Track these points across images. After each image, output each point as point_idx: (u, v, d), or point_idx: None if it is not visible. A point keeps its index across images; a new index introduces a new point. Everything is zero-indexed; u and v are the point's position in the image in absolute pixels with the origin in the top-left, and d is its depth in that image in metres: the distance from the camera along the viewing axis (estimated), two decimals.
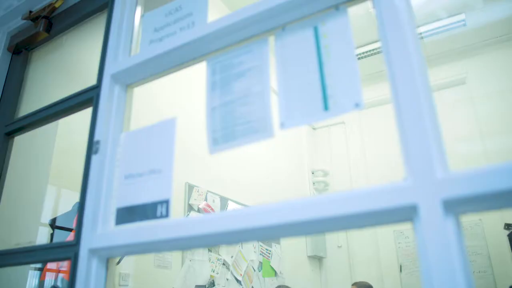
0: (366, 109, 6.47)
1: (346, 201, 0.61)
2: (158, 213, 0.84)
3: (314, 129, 6.93)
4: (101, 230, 0.94)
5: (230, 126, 0.83)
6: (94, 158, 1.04)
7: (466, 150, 5.29)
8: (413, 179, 0.59)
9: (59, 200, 2.73)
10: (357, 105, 0.71)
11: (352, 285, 3.73)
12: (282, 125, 0.77)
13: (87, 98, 1.25)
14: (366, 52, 5.71)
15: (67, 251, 1.03)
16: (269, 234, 0.66)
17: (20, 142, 1.96)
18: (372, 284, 3.76)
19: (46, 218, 2.56)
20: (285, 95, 0.79)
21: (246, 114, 0.82)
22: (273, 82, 0.83)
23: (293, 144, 6.25)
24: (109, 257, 0.93)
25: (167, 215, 0.83)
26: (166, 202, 0.84)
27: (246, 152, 4.89)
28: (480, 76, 5.63)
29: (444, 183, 0.57)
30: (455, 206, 0.57)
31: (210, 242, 0.74)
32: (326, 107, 0.74)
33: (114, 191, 0.97)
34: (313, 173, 6.40)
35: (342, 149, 6.53)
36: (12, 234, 1.88)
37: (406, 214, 0.59)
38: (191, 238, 0.73)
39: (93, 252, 0.93)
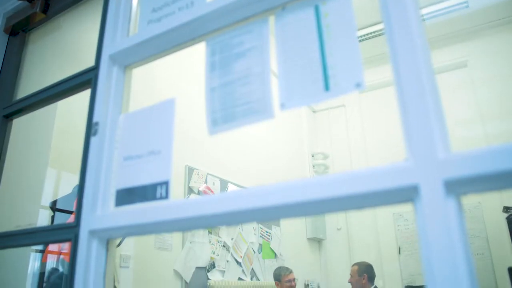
0: (366, 92, 6.46)
1: (346, 181, 0.60)
2: (158, 195, 0.84)
3: (314, 112, 6.91)
4: (101, 212, 0.94)
5: (230, 107, 0.82)
6: (93, 140, 1.03)
7: (466, 134, 5.28)
8: (414, 160, 0.58)
9: (59, 182, 2.73)
10: (358, 85, 0.70)
11: (353, 265, 3.76)
12: (282, 106, 0.76)
13: (85, 80, 1.24)
14: (366, 35, 5.66)
15: (67, 233, 1.04)
16: (269, 215, 0.66)
17: (19, 124, 1.95)
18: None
19: (46, 200, 2.57)
20: (285, 76, 0.78)
21: (246, 94, 0.81)
22: (273, 63, 0.82)
23: (293, 127, 6.24)
24: (109, 239, 0.94)
25: (166, 197, 0.83)
26: (165, 184, 0.84)
27: (246, 135, 4.88)
28: (481, 59, 5.58)
29: (446, 164, 0.56)
30: (457, 187, 0.56)
31: (210, 223, 0.74)
32: (327, 88, 0.73)
33: (113, 173, 0.97)
34: (313, 156, 6.41)
35: (342, 132, 6.52)
36: (12, 217, 1.88)
37: (407, 194, 0.59)
38: (191, 219, 0.72)
39: (93, 233, 0.93)
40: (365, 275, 3.60)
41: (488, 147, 0.55)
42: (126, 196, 0.91)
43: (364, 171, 0.60)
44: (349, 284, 3.76)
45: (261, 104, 0.79)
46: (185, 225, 0.77)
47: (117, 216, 0.88)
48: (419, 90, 0.61)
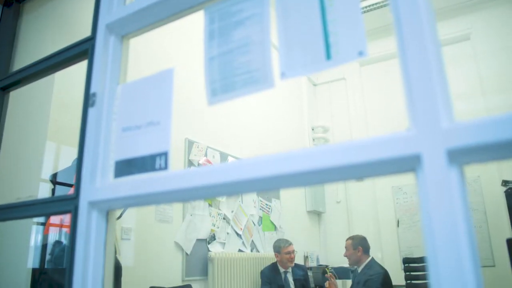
0: (367, 65, 6.39)
1: (347, 151, 0.60)
2: (157, 166, 0.83)
3: (314, 85, 6.86)
4: (100, 183, 0.94)
5: (229, 76, 0.81)
6: (91, 111, 1.02)
7: (467, 107, 5.26)
8: (417, 129, 0.57)
9: (59, 156, 2.73)
10: (360, 53, 0.68)
11: (347, 239, 3.80)
12: (283, 75, 0.75)
13: (81, 50, 1.21)
14: (366, 7, 5.57)
15: (67, 204, 1.03)
16: (269, 185, 0.65)
17: (17, 97, 1.93)
18: (370, 238, 3.83)
19: (46, 174, 2.57)
20: (286, 44, 0.76)
21: (246, 64, 0.79)
22: (274, 33, 0.80)
23: (293, 101, 6.21)
24: (109, 210, 0.93)
25: (166, 168, 0.82)
26: (164, 154, 0.83)
27: (246, 108, 4.86)
28: (485, 32, 5.51)
29: (449, 133, 0.55)
30: (460, 156, 0.55)
31: (210, 193, 0.73)
32: (328, 56, 0.71)
33: (112, 144, 0.96)
34: (313, 130, 6.40)
35: (342, 105, 6.49)
36: (12, 189, 1.88)
37: (409, 164, 0.58)
38: (191, 190, 0.72)
39: (92, 204, 0.93)
40: (360, 247, 3.64)
41: (492, 117, 0.54)
42: (125, 167, 0.91)
43: (366, 140, 0.59)
44: (346, 260, 3.81)
45: (261, 74, 0.77)
46: (185, 195, 0.76)
47: (116, 187, 0.88)
48: (423, 57, 0.59)
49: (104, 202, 0.91)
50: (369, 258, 3.63)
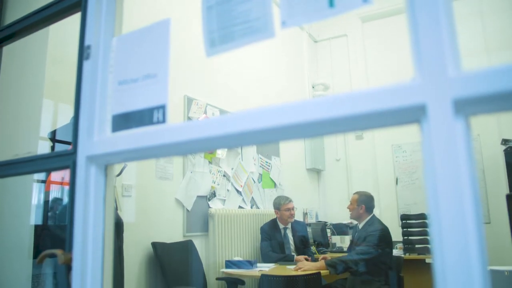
0: (369, 21, 6.26)
1: (349, 101, 0.58)
2: (155, 119, 0.82)
3: (315, 42, 6.74)
4: (98, 138, 0.92)
5: (228, 26, 0.77)
6: (86, 64, 0.99)
7: (471, 66, 5.17)
8: (422, 78, 0.55)
9: (57, 114, 2.72)
10: (365, 0, 0.65)
11: (354, 193, 3.84)
12: (284, 24, 0.72)
13: (75, 2, 1.17)
14: None
15: (65, 160, 1.03)
16: (269, 137, 0.64)
17: (11, 53, 1.89)
18: None
19: (45, 132, 2.56)
20: None
21: (245, 12, 0.76)
22: None
23: (293, 57, 6.12)
24: (107, 164, 0.92)
25: (164, 121, 0.80)
26: (162, 108, 0.81)
27: (246, 66, 4.79)
28: None
29: (456, 82, 0.53)
30: (466, 107, 0.54)
31: (208, 146, 0.72)
32: (331, 3, 0.68)
33: (108, 98, 0.94)
34: (313, 87, 6.34)
35: (343, 63, 6.40)
36: (11, 146, 1.88)
37: (414, 115, 0.56)
38: (189, 142, 0.71)
39: (90, 159, 0.92)
40: (363, 205, 3.67)
41: (502, 65, 0.52)
42: (123, 121, 0.89)
43: (369, 90, 0.57)
44: (347, 212, 3.86)
45: (261, 23, 0.74)
46: (183, 148, 0.75)
47: (114, 141, 0.87)
48: (432, 2, 0.56)
49: (102, 157, 0.90)
50: (371, 215, 3.67)
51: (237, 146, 3.83)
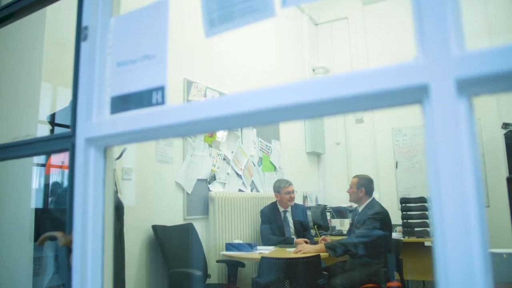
0: (370, 4, 6.19)
1: (351, 81, 0.57)
2: (154, 100, 0.81)
3: (316, 25, 6.68)
4: (96, 120, 0.91)
5: (227, 6, 0.76)
6: (84, 45, 0.98)
7: (473, 48, 5.14)
8: (425, 57, 0.54)
9: (56, 97, 2.70)
10: None
11: (354, 176, 3.85)
12: (284, 3, 0.70)
13: None
14: None
15: (64, 142, 1.02)
16: (270, 118, 0.63)
17: (8, 36, 1.87)
18: None
19: (44, 115, 2.56)
20: None
21: None
22: None
23: (294, 41, 6.07)
24: (106, 146, 0.92)
25: (163, 102, 0.79)
26: (161, 89, 0.80)
27: (246, 49, 4.76)
28: None
29: (459, 61, 0.52)
30: (469, 87, 0.53)
31: (209, 127, 0.71)
32: None
33: (107, 79, 0.93)
34: (313, 71, 6.30)
35: (344, 46, 6.36)
36: (10, 129, 1.87)
37: (416, 95, 0.55)
38: (189, 124, 0.70)
39: (89, 141, 0.92)
40: (363, 189, 3.69)
41: (506, 45, 0.51)
42: (122, 103, 0.88)
43: (370, 70, 0.57)
44: (347, 195, 3.87)
45: (261, 2, 0.73)
46: (183, 130, 0.74)
47: (113, 123, 0.86)
48: None
49: (101, 139, 0.90)
50: (370, 198, 3.69)
51: (238, 127, 3.82)
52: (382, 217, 3.47)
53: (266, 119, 0.63)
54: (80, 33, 1.00)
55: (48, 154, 2.19)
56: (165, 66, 0.81)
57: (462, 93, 0.53)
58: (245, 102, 0.62)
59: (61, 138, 1.04)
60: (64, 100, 2.65)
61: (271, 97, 0.60)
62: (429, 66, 0.53)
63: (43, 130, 2.51)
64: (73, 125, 0.97)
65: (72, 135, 0.97)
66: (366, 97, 0.56)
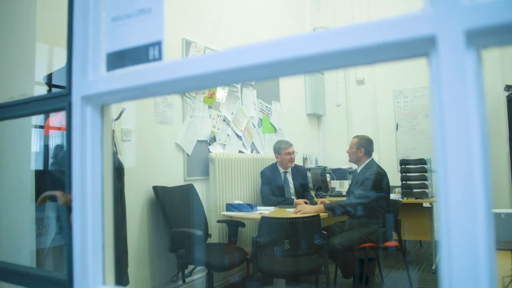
0: None
1: (354, 33, 0.54)
2: (151, 56, 0.78)
3: None
4: (92, 77, 0.89)
5: None
6: (77, 0, 0.94)
7: None
8: (433, 7, 0.52)
9: (52, 58, 2.66)
10: None
11: (354, 137, 3.85)
12: None
13: None
14: None
15: (60, 101, 1.00)
16: (270, 72, 0.61)
17: None
18: None
19: (41, 76, 2.52)
20: None
21: None
22: None
23: (295, 1, 5.93)
24: (103, 104, 0.90)
25: (160, 58, 0.77)
26: (158, 44, 0.78)
27: (246, 7, 4.65)
28: None
29: (469, 11, 0.50)
30: (479, 38, 0.50)
31: (207, 82, 0.69)
32: None
33: (102, 35, 0.90)
34: (314, 31, 6.18)
35: (346, 6, 6.21)
36: (5, 90, 1.85)
37: (422, 47, 0.53)
38: (187, 79, 0.68)
39: (86, 99, 0.90)
40: (362, 149, 3.69)
41: None
42: (118, 59, 0.86)
43: (375, 21, 0.54)
44: (347, 157, 3.88)
45: None
46: (181, 85, 0.72)
47: (109, 80, 0.84)
48: None
49: (97, 96, 0.88)
50: (369, 159, 3.69)
51: (236, 82, 3.77)
52: (380, 178, 3.49)
53: (266, 74, 0.61)
54: None
55: (44, 113, 2.17)
56: (162, 20, 0.78)
57: (471, 44, 0.51)
58: (244, 56, 0.60)
59: (57, 97, 1.02)
60: (60, 61, 2.61)
61: (271, 51, 0.58)
62: (437, 16, 0.51)
63: (41, 91, 2.49)
64: (68, 83, 0.95)
65: (68, 94, 0.95)
66: (370, 49, 0.54)
